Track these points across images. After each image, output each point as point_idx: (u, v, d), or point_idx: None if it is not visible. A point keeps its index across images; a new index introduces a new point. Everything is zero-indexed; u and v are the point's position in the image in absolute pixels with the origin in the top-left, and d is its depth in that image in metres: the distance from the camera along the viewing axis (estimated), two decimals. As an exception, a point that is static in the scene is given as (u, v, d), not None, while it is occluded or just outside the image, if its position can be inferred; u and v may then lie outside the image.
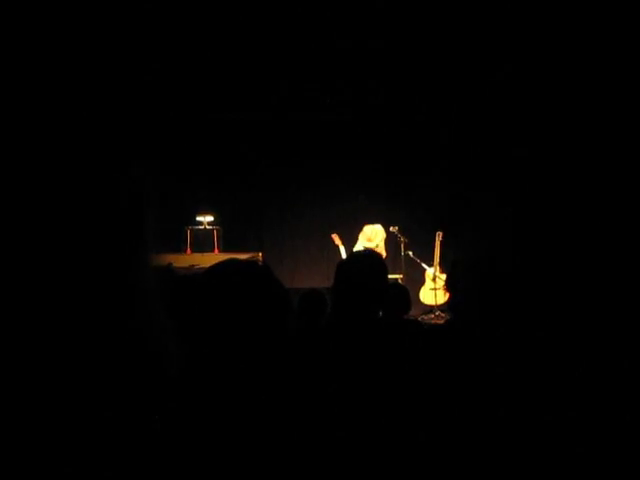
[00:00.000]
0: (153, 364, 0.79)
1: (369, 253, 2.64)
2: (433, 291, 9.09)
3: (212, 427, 1.20)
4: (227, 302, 1.34)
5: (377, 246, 8.07)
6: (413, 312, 6.52)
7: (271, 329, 1.32)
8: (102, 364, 0.76)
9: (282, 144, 9.87)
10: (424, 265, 9.18)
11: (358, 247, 8.17)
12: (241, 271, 1.40)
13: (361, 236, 8.21)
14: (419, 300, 9.22)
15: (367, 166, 9.86)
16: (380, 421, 1.89)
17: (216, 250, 8.58)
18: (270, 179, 9.97)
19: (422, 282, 9.45)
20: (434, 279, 9.15)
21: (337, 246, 8.83)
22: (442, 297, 8.63)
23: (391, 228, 8.80)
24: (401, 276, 9.05)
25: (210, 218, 8.88)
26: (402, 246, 8.92)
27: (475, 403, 1.74)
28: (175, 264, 6.24)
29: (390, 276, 8.44)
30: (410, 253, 9.01)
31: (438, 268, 9.13)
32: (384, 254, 8.12)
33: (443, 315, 8.61)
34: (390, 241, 8.97)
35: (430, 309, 9.16)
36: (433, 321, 8.35)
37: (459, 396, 1.86)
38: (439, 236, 9.14)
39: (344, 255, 8.44)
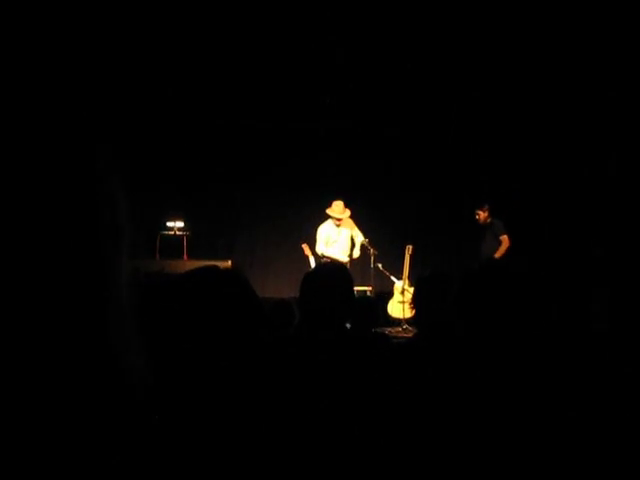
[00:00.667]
0: (123, 381, 0.77)
1: (335, 265, 2.64)
2: (401, 304, 9.02)
3: (184, 438, 1.18)
4: (203, 311, 1.32)
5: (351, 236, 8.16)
6: (381, 325, 6.83)
7: (245, 339, 1.30)
8: (71, 377, 0.73)
9: (255, 151, 9.85)
10: (393, 278, 9.14)
11: (321, 246, 8.26)
12: (220, 278, 1.38)
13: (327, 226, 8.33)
14: (387, 313, 9.18)
15: (339, 177, 9.86)
16: (348, 435, 1.89)
17: (185, 256, 8.50)
18: (242, 186, 9.92)
19: (391, 295, 9.40)
20: (402, 292, 9.10)
21: (307, 256, 8.74)
22: (410, 310, 8.48)
23: (361, 239, 8.73)
24: (370, 288, 9.03)
25: (180, 224, 8.79)
26: (372, 258, 8.82)
27: (444, 420, 1.71)
28: (143, 270, 6.18)
29: (358, 288, 8.50)
30: (379, 265, 8.93)
31: (407, 281, 9.09)
32: (359, 240, 8.22)
33: (411, 329, 8.50)
34: (361, 254, 8.98)
35: (398, 322, 9.07)
36: (401, 334, 8.27)
37: (428, 412, 1.82)
38: (409, 250, 9.12)
39: (313, 265, 8.46)
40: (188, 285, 1.36)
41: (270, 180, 9.97)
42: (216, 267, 1.43)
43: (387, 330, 8.44)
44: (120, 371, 0.76)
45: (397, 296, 9.25)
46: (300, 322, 2.31)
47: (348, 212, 8.52)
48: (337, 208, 8.47)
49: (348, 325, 3.81)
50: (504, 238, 8.42)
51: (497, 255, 8.29)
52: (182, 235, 8.71)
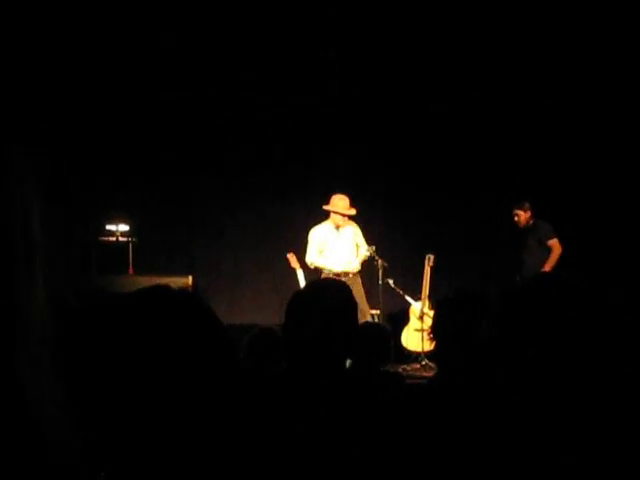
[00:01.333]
0: (30, 417, 0.79)
1: (332, 283, 2.70)
2: (419, 333, 9.06)
3: None
4: (151, 345, 1.32)
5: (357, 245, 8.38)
6: (392, 361, 6.64)
7: (206, 386, 1.31)
8: None
9: (224, 131, 9.83)
10: (408, 298, 9.23)
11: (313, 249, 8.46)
12: (173, 303, 1.39)
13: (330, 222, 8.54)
14: (401, 344, 9.26)
15: (333, 167, 9.92)
16: None
17: (131, 270, 8.58)
18: (206, 178, 9.88)
19: (405, 321, 9.52)
20: (421, 317, 9.19)
21: (294, 269, 8.88)
22: (430, 342, 8.56)
23: (366, 249, 8.84)
24: (377, 312, 9.05)
25: (125, 227, 8.83)
26: (380, 272, 8.87)
27: None
28: (73, 289, 6.14)
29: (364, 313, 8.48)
30: (390, 282, 9.02)
31: (427, 303, 9.15)
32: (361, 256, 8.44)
33: (432, 365, 8.53)
34: (366, 266, 9.08)
35: (415, 357, 9.19)
36: (419, 373, 8.39)
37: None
38: (429, 260, 9.18)
39: (302, 282, 8.55)
40: (132, 311, 1.37)
41: (243, 170, 9.97)
42: (168, 288, 1.43)
43: (400, 368, 8.56)
44: (27, 405, 0.80)
45: (414, 322, 9.35)
46: (285, 360, 2.37)
47: (354, 210, 8.68)
48: (341, 203, 8.63)
49: (348, 363, 3.90)
50: (553, 243, 8.71)
51: (547, 267, 8.52)
52: (126, 242, 8.75)
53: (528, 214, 8.97)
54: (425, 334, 8.65)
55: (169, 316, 1.36)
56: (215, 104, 9.56)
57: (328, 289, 2.47)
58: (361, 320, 6.67)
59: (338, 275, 8.39)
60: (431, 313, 8.58)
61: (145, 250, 8.98)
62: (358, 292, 8.04)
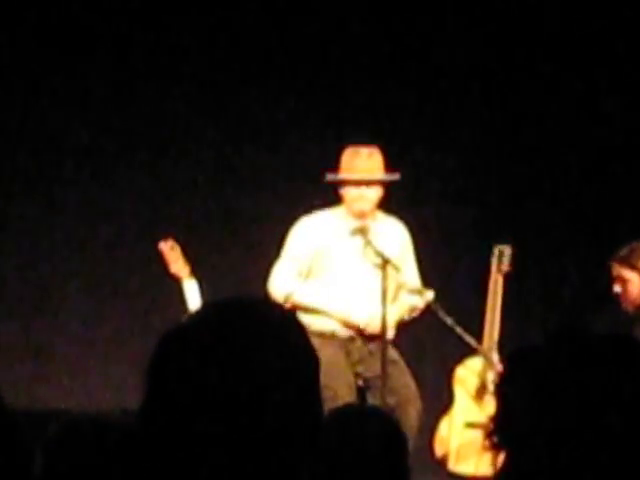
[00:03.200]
0: None
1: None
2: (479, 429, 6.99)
3: None
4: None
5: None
6: None
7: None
8: None
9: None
10: (461, 332, 6.81)
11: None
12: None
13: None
14: (435, 454, 7.01)
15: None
16: None
17: None
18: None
19: (446, 400, 7.11)
20: (482, 391, 7.05)
21: (178, 280, 6.88)
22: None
23: (418, 290, 6.87)
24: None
25: None
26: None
27: None
28: None
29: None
30: (425, 297, 6.80)
31: (496, 354, 7.13)
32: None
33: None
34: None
35: None
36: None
37: None
38: (501, 258, 7.08)
39: (193, 304, 6.66)
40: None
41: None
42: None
43: None
44: None
45: (465, 405, 7.09)
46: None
47: (395, 174, 6.72)
48: (363, 161, 6.67)
49: None
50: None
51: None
52: None
53: None
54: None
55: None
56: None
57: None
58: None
59: (349, 339, 6.46)
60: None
61: None
62: (394, 367, 6.29)
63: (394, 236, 6.61)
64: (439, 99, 8.71)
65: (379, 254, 6.40)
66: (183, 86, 8.60)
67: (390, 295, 6.48)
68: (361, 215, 6.43)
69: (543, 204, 8.56)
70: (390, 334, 6.43)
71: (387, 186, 6.63)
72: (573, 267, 8.39)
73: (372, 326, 6.38)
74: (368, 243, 6.41)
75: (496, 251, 6.91)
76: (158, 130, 8.56)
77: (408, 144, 8.22)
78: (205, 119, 8.57)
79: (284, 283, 6.46)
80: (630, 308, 6.80)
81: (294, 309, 6.29)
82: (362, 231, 6.43)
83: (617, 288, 6.75)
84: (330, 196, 6.93)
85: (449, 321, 6.62)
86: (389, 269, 6.41)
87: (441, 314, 6.48)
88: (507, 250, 6.90)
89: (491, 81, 8.87)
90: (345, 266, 6.57)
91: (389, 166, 6.71)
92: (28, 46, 8.58)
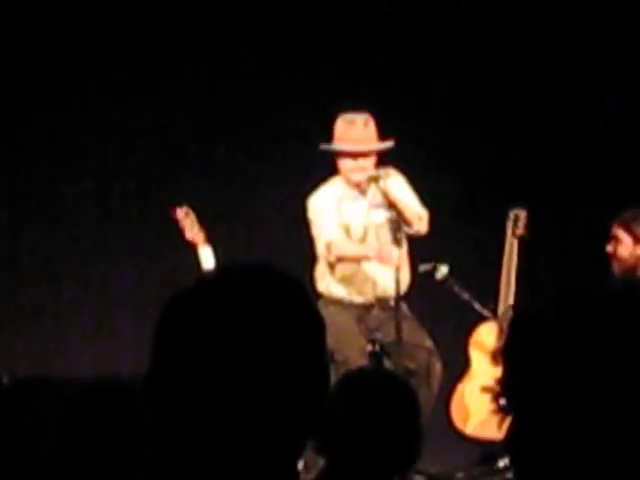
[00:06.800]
0: None
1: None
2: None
3: None
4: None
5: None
6: (446, 457, 6.57)
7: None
8: None
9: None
10: (478, 307, 7.12)
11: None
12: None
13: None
14: (452, 420, 7.05)
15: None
16: None
17: None
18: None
19: (463, 365, 7.19)
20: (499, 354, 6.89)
21: (194, 246, 6.86)
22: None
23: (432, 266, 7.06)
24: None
25: None
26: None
27: None
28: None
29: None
30: (440, 272, 6.96)
31: (510, 312, 7.18)
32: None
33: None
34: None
35: (490, 450, 6.89)
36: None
37: None
38: (517, 222, 7.14)
39: (207, 263, 6.78)
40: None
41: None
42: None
43: (458, 476, 6.84)
44: None
45: (483, 368, 7.13)
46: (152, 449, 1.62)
47: (389, 141, 6.72)
48: (354, 129, 6.70)
49: (301, 465, 4.23)
50: None
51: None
52: None
53: None
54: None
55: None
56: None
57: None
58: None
59: (366, 307, 6.49)
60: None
61: None
62: (412, 332, 6.38)
63: (398, 182, 6.69)
64: (453, 64, 8.54)
65: (393, 201, 6.49)
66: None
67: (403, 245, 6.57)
68: (358, 185, 6.52)
69: (559, 167, 8.49)
70: (403, 287, 6.55)
71: (383, 150, 6.70)
72: (587, 230, 8.00)
73: (386, 252, 6.47)
74: (383, 192, 6.49)
75: (511, 215, 6.96)
76: (169, 98, 8.43)
77: (422, 108, 8.23)
78: (217, 83, 8.45)
79: (331, 233, 6.57)
80: (617, 270, 6.77)
81: (343, 258, 6.57)
82: (375, 180, 6.45)
83: (609, 247, 6.76)
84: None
85: (465, 296, 6.93)
86: (401, 221, 6.50)
87: (457, 289, 6.77)
88: (522, 214, 6.95)
89: (508, 46, 8.67)
90: (358, 233, 6.69)
91: (380, 132, 6.71)
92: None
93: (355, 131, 6.46)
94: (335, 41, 8.45)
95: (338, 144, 6.47)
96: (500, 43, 8.71)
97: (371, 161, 6.43)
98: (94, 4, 8.60)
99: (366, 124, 6.48)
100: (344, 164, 6.43)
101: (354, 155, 6.43)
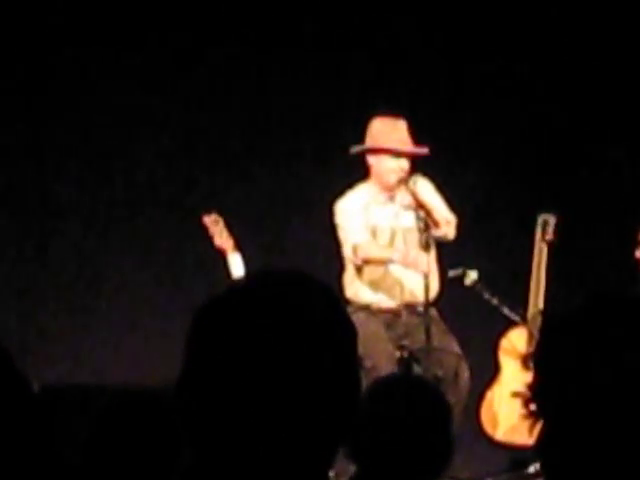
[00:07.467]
0: None
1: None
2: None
3: None
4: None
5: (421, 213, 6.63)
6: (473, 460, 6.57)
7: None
8: None
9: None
10: (508, 312, 7.14)
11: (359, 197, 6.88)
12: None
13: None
14: (482, 426, 7.06)
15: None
16: None
17: None
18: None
19: (492, 371, 7.19)
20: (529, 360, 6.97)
21: (223, 253, 6.87)
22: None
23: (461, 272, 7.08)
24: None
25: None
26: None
27: None
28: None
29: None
30: (470, 278, 6.96)
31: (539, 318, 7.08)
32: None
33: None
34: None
35: (522, 455, 6.87)
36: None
37: None
38: (547, 228, 7.19)
39: (236, 271, 6.83)
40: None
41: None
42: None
43: None
44: None
45: (512, 374, 7.14)
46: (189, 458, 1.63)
47: (424, 148, 6.72)
48: (393, 131, 6.71)
49: (332, 472, 4.22)
50: None
51: None
52: None
53: None
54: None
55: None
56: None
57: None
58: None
59: (394, 312, 6.52)
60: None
61: None
62: (441, 337, 6.39)
63: (427, 187, 6.66)
64: (483, 67, 8.43)
65: (421, 202, 6.49)
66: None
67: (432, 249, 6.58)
68: (391, 189, 6.53)
69: (588, 172, 8.41)
70: (432, 293, 6.55)
71: (418, 155, 6.71)
72: (616, 235, 8.01)
73: (413, 257, 6.47)
74: (412, 193, 6.47)
75: (540, 220, 6.99)
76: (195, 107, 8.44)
77: (450, 113, 8.19)
78: (244, 87, 8.43)
79: (359, 237, 6.56)
80: None
81: (370, 260, 6.59)
82: (405, 182, 6.47)
83: (638, 253, 6.85)
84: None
85: (495, 301, 6.93)
86: (429, 222, 6.49)
87: (486, 295, 6.79)
88: (551, 219, 6.98)
89: (544, 50, 8.58)
90: (383, 233, 6.71)
91: (416, 136, 6.80)
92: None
93: (399, 132, 6.49)
94: (362, 45, 8.27)
95: (374, 142, 6.51)
96: (537, 47, 8.58)
97: (409, 164, 6.46)
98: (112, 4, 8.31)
99: (406, 127, 6.53)
100: (384, 164, 6.46)
101: (398, 154, 6.46)
